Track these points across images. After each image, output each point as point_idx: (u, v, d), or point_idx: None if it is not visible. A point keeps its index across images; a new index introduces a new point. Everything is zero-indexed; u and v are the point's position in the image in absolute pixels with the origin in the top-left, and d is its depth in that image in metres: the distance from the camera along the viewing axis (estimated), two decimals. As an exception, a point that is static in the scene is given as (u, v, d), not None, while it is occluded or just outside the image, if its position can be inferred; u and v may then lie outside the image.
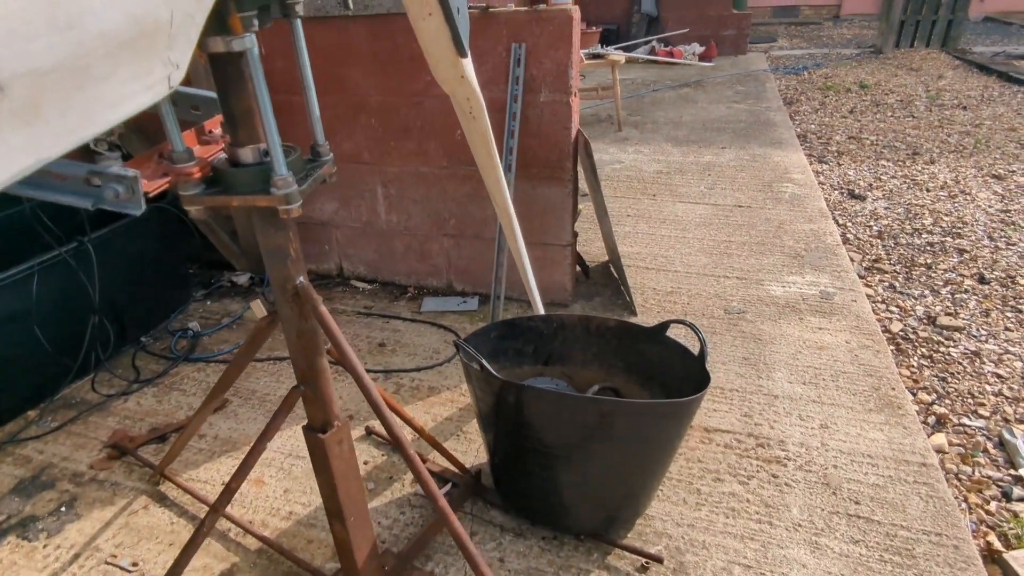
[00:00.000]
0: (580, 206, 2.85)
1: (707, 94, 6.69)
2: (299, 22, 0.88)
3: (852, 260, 3.09)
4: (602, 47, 5.75)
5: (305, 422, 1.14)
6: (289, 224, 0.92)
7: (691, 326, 1.55)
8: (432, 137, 2.52)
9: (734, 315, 2.54)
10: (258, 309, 1.06)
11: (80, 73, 0.32)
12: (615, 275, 2.87)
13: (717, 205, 3.67)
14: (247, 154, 0.85)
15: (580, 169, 2.55)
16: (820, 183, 4.17)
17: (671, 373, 1.64)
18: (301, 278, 0.98)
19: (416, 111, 2.49)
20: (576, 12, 2.18)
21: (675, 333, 1.68)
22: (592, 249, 3.20)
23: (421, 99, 2.46)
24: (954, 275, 2.96)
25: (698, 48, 8.53)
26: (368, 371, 2.30)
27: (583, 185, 2.87)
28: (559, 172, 2.42)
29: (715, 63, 8.46)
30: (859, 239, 3.39)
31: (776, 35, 11.58)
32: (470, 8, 2.27)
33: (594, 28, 8.71)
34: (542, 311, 2.00)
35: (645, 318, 2.55)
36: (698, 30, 8.97)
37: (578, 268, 2.86)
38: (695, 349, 1.55)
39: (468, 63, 0.92)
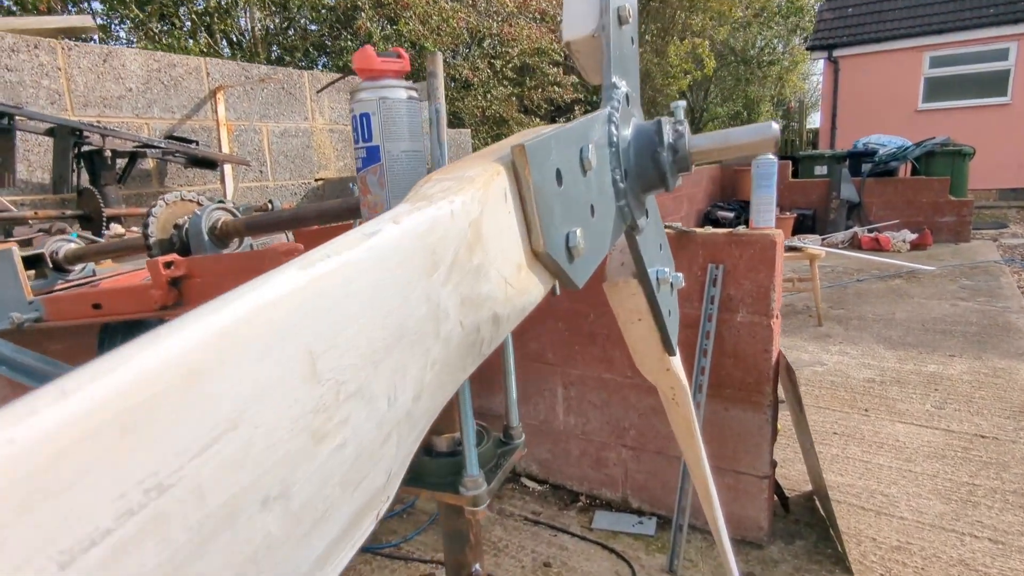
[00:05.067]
0: (779, 424, 2.55)
1: (923, 288, 6.02)
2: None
3: None
4: (797, 239, 5.55)
5: None
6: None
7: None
8: (618, 346, 2.48)
9: (992, 598, 1.98)
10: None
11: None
12: (822, 513, 2.45)
13: (951, 431, 3.09)
14: (441, 443, 0.84)
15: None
16: (1095, 413, 3.36)
17: None
18: (477, 566, 0.90)
19: (604, 319, 2.50)
20: (780, 236, 2.10)
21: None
22: (792, 472, 2.80)
23: (610, 310, 2.46)
24: None
25: (909, 236, 7.90)
26: (530, 597, 2.12)
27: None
28: (757, 396, 2.20)
29: (930, 251, 7.72)
30: None
31: (1007, 220, 10.41)
32: (666, 227, 2.30)
33: (788, 214, 8.55)
34: (735, 570, 1.71)
35: (864, 581, 2.08)
36: (908, 216, 8.37)
37: (775, 498, 2.50)
38: None
39: (676, 360, 0.86)
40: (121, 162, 2.36)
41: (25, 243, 1.86)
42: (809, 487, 2.64)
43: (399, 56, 0.68)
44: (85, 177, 2.27)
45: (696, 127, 16.90)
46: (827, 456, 2.92)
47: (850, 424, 3.23)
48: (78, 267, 1.17)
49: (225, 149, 2.77)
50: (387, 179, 0.68)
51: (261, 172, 2.97)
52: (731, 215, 8.56)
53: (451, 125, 7.62)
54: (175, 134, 2.64)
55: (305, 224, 0.94)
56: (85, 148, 2.16)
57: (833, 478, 2.73)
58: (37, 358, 1.01)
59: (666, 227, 2.32)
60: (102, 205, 2.08)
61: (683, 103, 0.71)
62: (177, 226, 1.01)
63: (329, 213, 0.90)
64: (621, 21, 0.68)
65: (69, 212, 2.13)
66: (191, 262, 0.87)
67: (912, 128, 11.74)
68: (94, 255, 1.13)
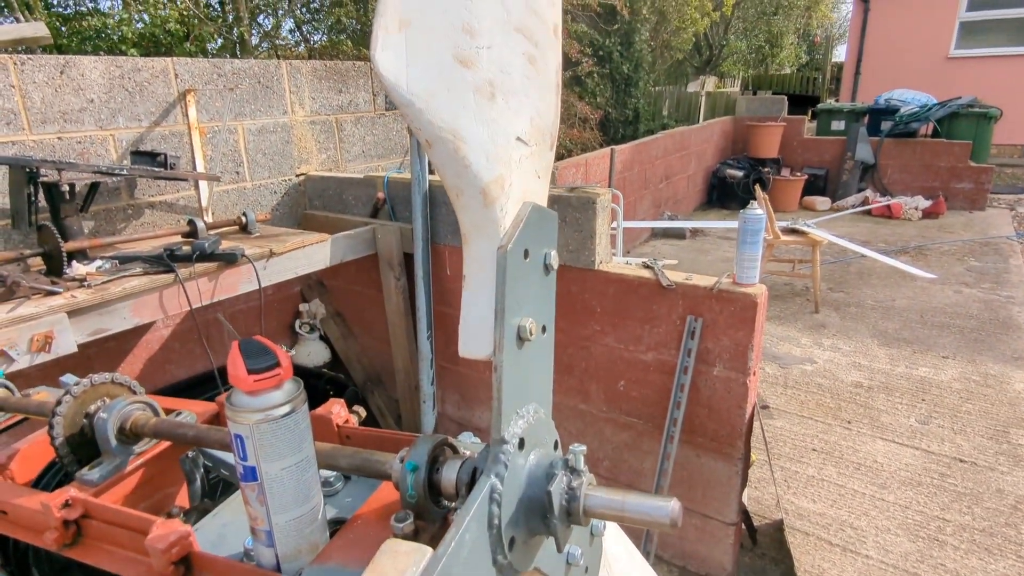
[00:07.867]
0: (753, 456, 2.55)
1: (930, 268, 5.89)
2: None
3: None
4: (800, 220, 5.39)
5: None
6: None
7: None
8: (595, 380, 2.45)
9: (942, 657, 2.03)
10: None
11: None
12: (788, 547, 2.49)
13: (930, 453, 3.09)
14: None
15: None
16: (1080, 433, 3.34)
17: None
18: None
19: (583, 353, 2.45)
20: (763, 296, 2.01)
21: None
22: (765, 496, 2.83)
23: (589, 344, 2.42)
24: None
25: (923, 203, 7.66)
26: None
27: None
28: (728, 448, 2.19)
29: (942, 220, 7.51)
30: None
31: (1027, 181, 10.04)
32: (644, 266, 2.21)
33: (798, 175, 8.28)
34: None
35: (820, 630, 2.14)
36: (924, 181, 8.08)
37: (744, 529, 2.53)
38: None
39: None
40: (82, 189, 2.27)
41: (-21, 299, 1.81)
42: (781, 515, 2.68)
43: (277, 364, 0.61)
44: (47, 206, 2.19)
45: (714, 64, 16.11)
46: (803, 477, 2.94)
47: (830, 439, 3.24)
48: None
49: (198, 154, 2.66)
50: (267, 497, 0.63)
51: (238, 173, 2.86)
52: (740, 174, 8.30)
53: None
54: (141, 148, 2.52)
55: (207, 446, 0.89)
56: (42, 179, 2.07)
57: (806, 504, 2.75)
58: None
59: (645, 266, 2.24)
60: (61, 242, 2.01)
61: (583, 448, 0.65)
62: (88, 415, 0.96)
63: (229, 446, 0.85)
64: (522, 340, 0.61)
65: (28, 252, 2.07)
66: (89, 506, 0.82)
67: (941, 78, 11.15)
68: (12, 408, 1.09)
